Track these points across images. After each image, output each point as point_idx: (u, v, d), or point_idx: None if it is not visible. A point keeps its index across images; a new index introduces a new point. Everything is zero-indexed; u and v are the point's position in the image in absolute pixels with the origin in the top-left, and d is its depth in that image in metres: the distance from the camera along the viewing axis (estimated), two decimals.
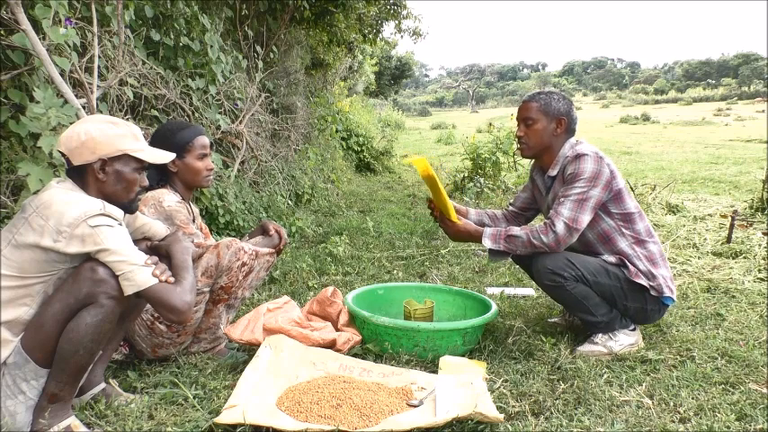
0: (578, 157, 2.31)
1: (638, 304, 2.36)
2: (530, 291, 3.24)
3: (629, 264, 2.34)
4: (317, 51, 8.14)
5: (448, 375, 1.99)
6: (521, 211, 2.72)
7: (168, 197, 2.17)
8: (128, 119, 3.06)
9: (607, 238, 2.39)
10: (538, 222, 2.41)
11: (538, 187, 2.60)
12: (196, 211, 2.41)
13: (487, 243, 2.37)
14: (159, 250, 1.85)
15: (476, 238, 2.44)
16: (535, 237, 2.30)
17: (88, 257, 1.58)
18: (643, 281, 2.32)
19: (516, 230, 2.35)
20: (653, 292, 2.34)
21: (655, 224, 4.90)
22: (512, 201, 2.77)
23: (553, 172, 2.43)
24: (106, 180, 1.67)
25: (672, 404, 1.91)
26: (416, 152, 14.13)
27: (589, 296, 2.31)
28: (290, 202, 5.28)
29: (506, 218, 2.73)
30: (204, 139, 2.28)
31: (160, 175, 2.26)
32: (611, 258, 2.36)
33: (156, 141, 2.19)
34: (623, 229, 2.37)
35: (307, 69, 7.86)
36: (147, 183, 1.78)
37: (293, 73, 6.47)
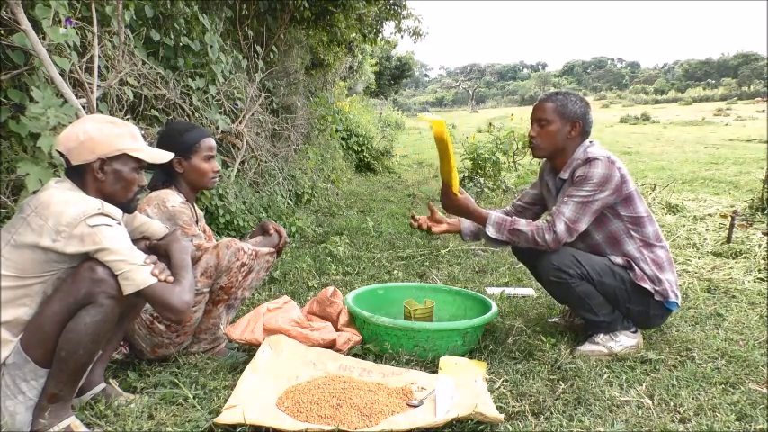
0: (589, 161, 2.30)
1: (642, 308, 2.35)
2: (530, 291, 3.24)
3: (635, 266, 2.34)
4: (317, 51, 8.14)
5: (448, 375, 1.99)
6: (528, 206, 2.70)
7: (172, 198, 2.17)
8: (128, 119, 3.06)
9: (615, 240, 2.38)
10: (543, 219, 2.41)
11: (548, 187, 2.58)
12: (200, 213, 2.41)
13: (491, 232, 2.35)
14: (158, 250, 1.85)
15: (475, 218, 2.40)
16: (539, 235, 2.29)
17: (87, 257, 1.58)
18: (648, 285, 2.32)
19: (522, 225, 2.33)
20: (657, 297, 2.33)
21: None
22: (519, 197, 2.75)
23: (565, 175, 2.41)
24: (105, 180, 1.67)
25: (672, 404, 1.91)
26: (416, 152, 14.13)
27: (593, 295, 2.31)
28: (290, 202, 5.28)
29: (509, 215, 2.71)
30: (211, 141, 2.29)
31: (166, 176, 2.26)
32: (618, 259, 2.36)
33: (163, 142, 2.20)
34: (632, 232, 2.36)
35: (307, 69, 7.86)
36: (145, 182, 1.78)
37: (293, 73, 6.47)
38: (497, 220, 2.36)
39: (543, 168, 2.65)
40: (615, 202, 2.33)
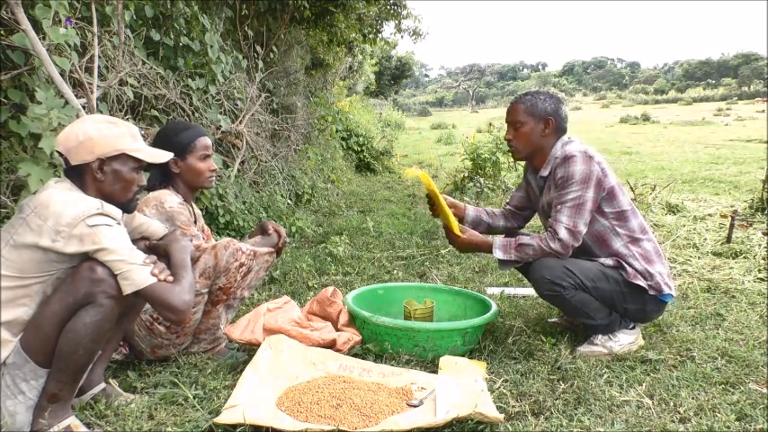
0: (567, 158, 2.30)
1: (638, 305, 2.36)
2: (530, 291, 3.24)
3: (625, 265, 2.34)
4: (317, 51, 8.14)
5: (448, 375, 1.99)
6: (518, 210, 2.73)
7: (170, 198, 2.16)
8: (128, 119, 3.06)
9: (601, 239, 2.38)
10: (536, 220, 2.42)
11: (532, 187, 2.61)
12: (198, 212, 2.41)
13: (498, 254, 2.38)
14: (158, 250, 1.85)
15: (483, 248, 2.45)
16: (545, 244, 2.31)
17: (87, 257, 1.58)
18: (641, 282, 2.32)
19: (526, 239, 2.35)
20: (651, 292, 2.33)
21: (655, 224, 4.90)
22: (508, 200, 2.78)
23: (545, 172, 2.43)
24: (104, 180, 1.67)
25: (672, 404, 1.91)
26: (416, 152, 14.13)
27: (589, 302, 2.31)
28: (290, 201, 5.28)
29: (505, 215, 2.73)
30: (206, 140, 2.28)
31: (163, 176, 2.26)
32: (609, 261, 2.36)
33: (158, 142, 2.19)
34: (617, 229, 2.37)
35: (307, 69, 7.86)
36: (144, 182, 1.78)
37: (293, 73, 6.47)
38: (502, 242, 2.39)
39: (526, 169, 2.67)
40: (600, 198, 2.34)
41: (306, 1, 5.99)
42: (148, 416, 1.77)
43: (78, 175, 1.67)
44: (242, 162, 4.62)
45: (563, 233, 2.28)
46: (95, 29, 2.65)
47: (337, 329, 2.40)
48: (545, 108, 2.41)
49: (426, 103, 78.03)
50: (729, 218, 4.39)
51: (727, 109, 40.58)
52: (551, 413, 1.84)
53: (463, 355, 2.26)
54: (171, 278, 1.68)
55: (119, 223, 1.65)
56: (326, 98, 8.48)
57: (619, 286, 2.32)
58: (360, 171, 9.77)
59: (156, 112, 3.48)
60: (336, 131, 8.69)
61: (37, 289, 1.59)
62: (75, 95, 2.45)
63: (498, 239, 2.41)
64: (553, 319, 2.73)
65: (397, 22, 8.26)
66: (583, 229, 2.30)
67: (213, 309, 2.21)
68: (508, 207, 2.75)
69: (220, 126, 4.11)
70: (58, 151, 1.67)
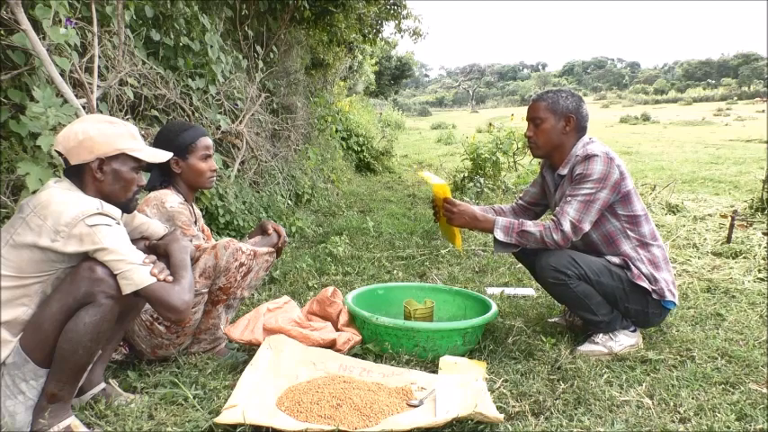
0: (588, 157, 2.30)
1: (640, 306, 2.36)
2: (530, 291, 3.24)
3: (631, 266, 2.34)
4: (317, 51, 8.15)
5: (448, 375, 1.99)
6: (530, 206, 2.71)
7: (171, 198, 2.17)
8: (128, 119, 3.06)
9: (611, 240, 2.39)
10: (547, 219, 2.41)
11: (547, 183, 2.60)
12: (198, 212, 2.41)
13: (499, 235, 2.35)
14: (158, 249, 1.85)
15: (481, 224, 2.40)
16: (547, 235, 2.30)
17: (86, 257, 1.58)
18: (645, 283, 2.32)
19: (530, 226, 2.33)
20: (654, 296, 2.33)
21: (655, 224, 4.90)
22: (521, 195, 2.77)
23: (563, 171, 2.42)
24: (104, 179, 1.67)
25: (672, 404, 1.91)
26: (416, 152, 14.13)
27: (591, 295, 2.31)
28: (290, 202, 5.28)
29: (515, 211, 2.72)
30: (207, 140, 2.28)
31: (163, 176, 2.26)
32: (615, 259, 2.36)
33: (159, 142, 2.19)
34: (628, 232, 2.37)
35: (307, 69, 7.86)
36: (144, 182, 1.78)
37: (293, 73, 6.48)
38: (505, 224, 2.36)
39: (542, 165, 2.66)
40: (614, 201, 2.34)
41: (306, 1, 5.99)
42: (148, 416, 1.77)
43: (78, 174, 1.67)
44: (242, 162, 4.62)
45: (566, 225, 2.27)
46: (95, 29, 2.65)
47: (337, 329, 2.40)
48: (566, 106, 2.40)
49: (426, 103, 78.09)
50: (729, 218, 4.39)
51: (727, 109, 40.63)
52: (551, 413, 1.84)
53: (463, 355, 2.26)
54: (170, 278, 1.68)
55: (118, 223, 1.65)
56: (326, 98, 8.48)
57: (622, 284, 2.32)
58: (360, 171, 9.77)
59: (156, 112, 3.48)
60: (336, 131, 8.70)
61: (36, 289, 1.59)
62: (76, 95, 2.45)
63: (501, 219, 2.37)
64: (553, 319, 2.73)
65: (397, 22, 8.27)
66: (586, 226, 2.30)
67: (213, 309, 2.21)
68: (520, 202, 2.73)
69: (220, 126, 4.11)
70: (57, 151, 1.67)
